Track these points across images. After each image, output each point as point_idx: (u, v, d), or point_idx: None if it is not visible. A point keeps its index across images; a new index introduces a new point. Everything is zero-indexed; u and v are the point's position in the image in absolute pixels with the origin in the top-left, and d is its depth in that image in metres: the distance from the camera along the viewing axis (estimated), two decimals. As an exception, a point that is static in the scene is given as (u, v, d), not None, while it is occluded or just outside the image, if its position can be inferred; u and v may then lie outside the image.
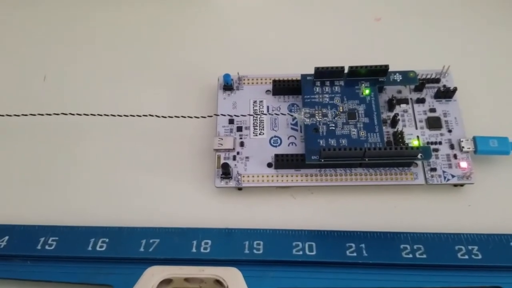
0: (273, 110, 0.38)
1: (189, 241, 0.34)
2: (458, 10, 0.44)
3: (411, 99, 0.38)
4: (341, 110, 0.36)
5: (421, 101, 0.38)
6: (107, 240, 0.35)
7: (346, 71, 0.37)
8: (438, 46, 0.42)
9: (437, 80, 0.38)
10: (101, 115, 0.38)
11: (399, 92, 0.38)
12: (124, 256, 0.34)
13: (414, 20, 0.44)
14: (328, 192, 0.36)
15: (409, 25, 0.44)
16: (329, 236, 0.35)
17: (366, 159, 0.34)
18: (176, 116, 0.37)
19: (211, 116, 0.37)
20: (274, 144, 0.37)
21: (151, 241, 0.34)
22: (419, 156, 0.34)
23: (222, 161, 0.36)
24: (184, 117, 0.37)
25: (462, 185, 0.36)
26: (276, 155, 0.35)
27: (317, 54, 0.41)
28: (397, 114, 0.37)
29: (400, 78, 0.37)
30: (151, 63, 0.43)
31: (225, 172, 0.35)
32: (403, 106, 0.38)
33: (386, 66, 0.36)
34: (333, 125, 0.35)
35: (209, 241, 0.34)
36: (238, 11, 0.45)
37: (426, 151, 0.34)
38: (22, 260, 0.34)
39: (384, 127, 0.36)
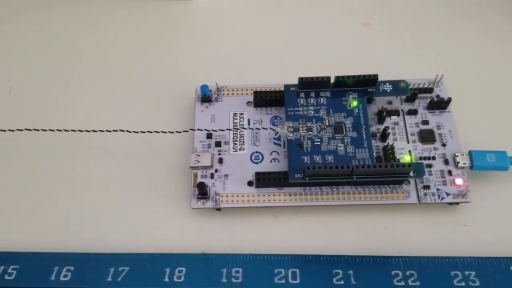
0: (254, 123, 0.36)
1: (161, 269, 0.31)
2: (452, 17, 0.42)
3: (402, 110, 0.36)
4: (327, 124, 0.34)
5: (413, 112, 0.36)
6: (72, 268, 0.32)
7: (332, 81, 0.34)
8: (431, 53, 0.40)
9: (429, 90, 0.36)
10: (67, 131, 0.35)
11: (390, 103, 0.36)
12: (90, 287, 0.31)
13: (405, 26, 0.42)
14: (313, 212, 0.34)
15: (400, 31, 0.41)
16: (314, 262, 0.32)
17: (354, 177, 0.32)
18: (149, 131, 0.34)
19: (187, 131, 0.34)
20: (256, 161, 0.35)
21: (120, 269, 0.31)
22: (411, 174, 0.32)
23: (199, 179, 0.33)
24: (158, 132, 0.34)
25: (457, 203, 0.33)
26: (257, 173, 0.33)
27: (302, 63, 0.39)
28: (388, 127, 0.35)
29: (391, 88, 0.35)
30: (122, 73, 0.40)
31: (202, 192, 0.33)
32: (394, 118, 0.36)
33: (375, 76, 0.34)
34: (319, 140, 0.33)
35: (183, 269, 0.31)
36: (216, 18, 0.43)
37: (418, 168, 0.32)
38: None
39: (373, 141, 0.34)
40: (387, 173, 0.31)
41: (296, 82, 0.35)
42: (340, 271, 0.31)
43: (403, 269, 0.31)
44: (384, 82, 0.35)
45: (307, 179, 0.32)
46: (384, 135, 0.35)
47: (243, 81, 0.37)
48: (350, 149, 0.33)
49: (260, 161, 0.35)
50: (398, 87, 0.35)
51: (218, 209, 0.34)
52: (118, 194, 0.35)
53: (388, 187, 0.33)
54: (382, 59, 0.40)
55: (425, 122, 0.35)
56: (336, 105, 0.35)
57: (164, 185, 0.35)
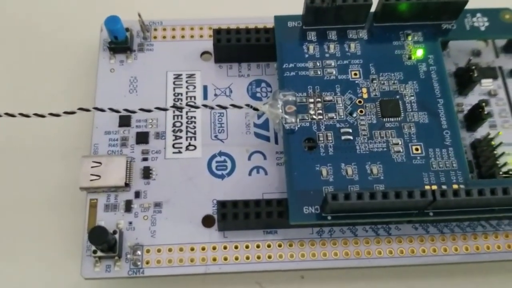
0: (216, 96, 0.24)
1: None
2: None
3: (500, 69, 0.25)
4: (365, 96, 0.22)
5: (522, 72, 0.25)
6: None
7: (374, 8, 0.24)
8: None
9: (549, 30, 0.25)
10: None
11: (477, 54, 0.25)
12: None
13: None
14: (336, 277, 0.23)
15: None
16: None
17: (431, 213, 0.20)
18: (9, 115, 0.22)
19: (73, 113, 0.21)
20: (219, 172, 0.22)
21: None
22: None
23: (99, 216, 0.21)
24: (14, 116, 0.22)
25: None
26: (222, 203, 0.21)
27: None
28: (484, 102, 0.23)
29: (486, 23, 0.24)
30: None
31: (102, 246, 0.21)
32: (487, 83, 0.25)
33: (462, -3, 0.22)
34: (349, 130, 0.22)
35: None
36: None
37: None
38: None
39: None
40: (497, 204, 0.20)
41: (297, 11, 0.25)
42: None
43: None
44: (473, 12, 0.24)
45: (329, 217, 0.20)
46: (475, 118, 0.23)
47: (194, 12, 0.27)
48: (416, 149, 0.21)
49: (229, 173, 0.22)
50: (499, 20, 0.24)
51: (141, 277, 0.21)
52: None
53: (491, 227, 0.21)
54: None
55: (546, 92, 0.24)
56: (382, 57, 0.23)
57: (32, 226, 0.23)
